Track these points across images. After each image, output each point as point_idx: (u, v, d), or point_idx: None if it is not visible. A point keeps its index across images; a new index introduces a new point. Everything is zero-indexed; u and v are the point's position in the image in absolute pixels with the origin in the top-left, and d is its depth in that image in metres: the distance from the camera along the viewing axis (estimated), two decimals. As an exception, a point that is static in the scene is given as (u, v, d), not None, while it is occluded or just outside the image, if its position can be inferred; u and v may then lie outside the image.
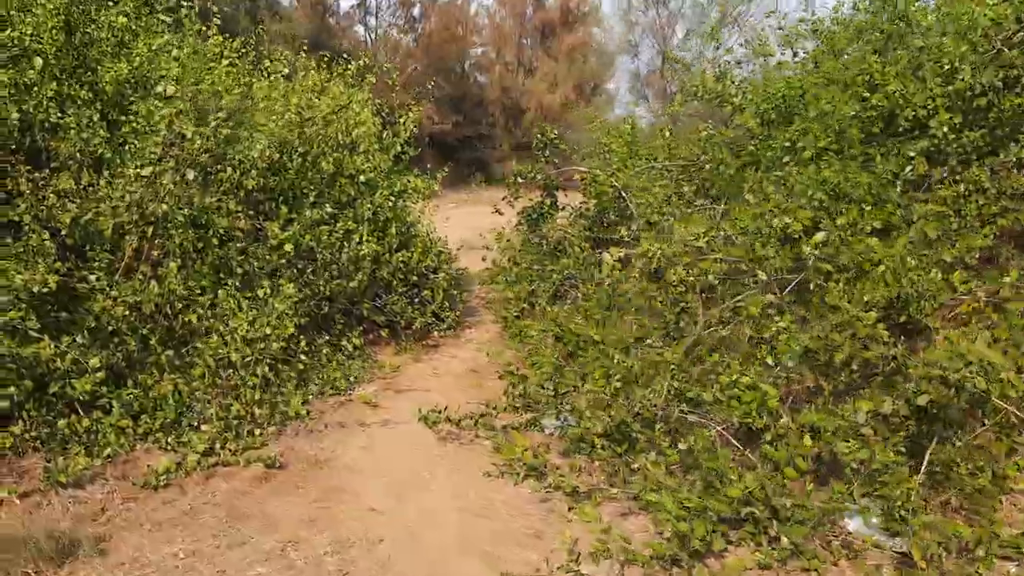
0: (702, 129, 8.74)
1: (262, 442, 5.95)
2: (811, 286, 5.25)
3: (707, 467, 4.60)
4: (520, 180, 9.44)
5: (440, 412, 6.19)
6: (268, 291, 6.92)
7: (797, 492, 4.51)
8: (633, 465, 5.19)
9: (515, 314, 8.95)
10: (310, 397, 6.98)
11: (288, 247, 7.45)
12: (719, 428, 5.04)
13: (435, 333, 9.33)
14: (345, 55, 11.24)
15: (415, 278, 9.22)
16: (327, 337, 7.92)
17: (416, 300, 9.19)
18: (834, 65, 7.21)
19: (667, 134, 9.16)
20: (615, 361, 5.63)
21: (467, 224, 18.91)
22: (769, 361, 4.87)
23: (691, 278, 5.58)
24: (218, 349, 6.38)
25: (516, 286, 9.20)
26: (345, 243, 8.28)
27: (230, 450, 5.77)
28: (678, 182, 8.79)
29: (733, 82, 8.69)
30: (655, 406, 5.13)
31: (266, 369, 6.48)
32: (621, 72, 45.41)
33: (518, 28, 43.40)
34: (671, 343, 5.76)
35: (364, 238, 8.37)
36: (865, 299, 4.99)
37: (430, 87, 15.00)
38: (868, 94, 6.38)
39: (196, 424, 6.04)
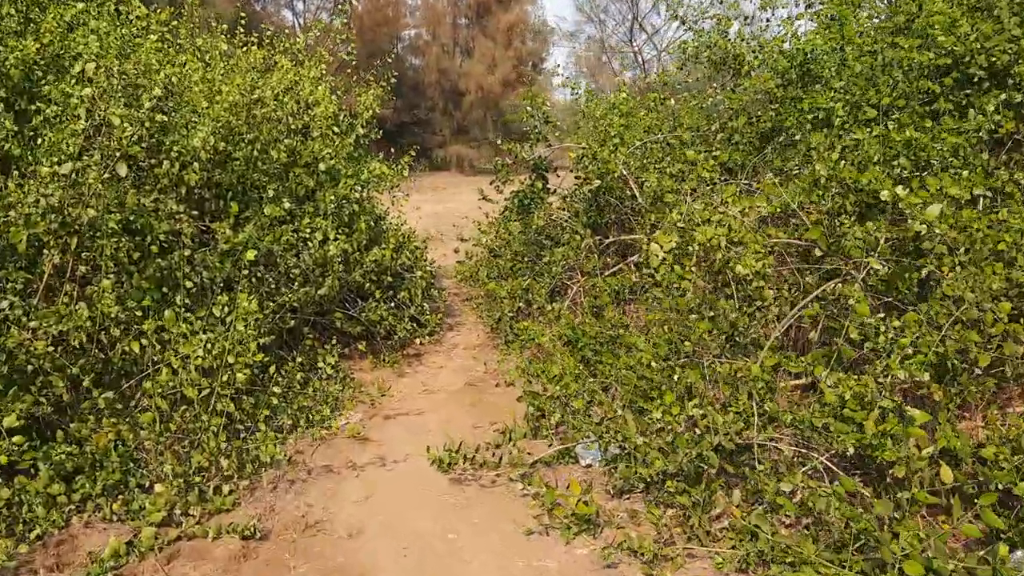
0: (708, 95, 7.70)
1: (233, 501, 4.75)
2: (921, 275, 4.24)
3: (831, 513, 3.57)
4: (509, 162, 8.28)
5: (454, 451, 5.05)
6: (225, 308, 5.68)
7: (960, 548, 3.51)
8: (714, 511, 4.14)
9: (510, 314, 7.83)
10: (285, 435, 5.76)
11: (250, 254, 6.19)
12: (824, 459, 4.02)
13: (416, 340, 8.15)
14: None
15: (389, 279, 8.02)
16: (298, 357, 6.68)
17: (392, 304, 8.00)
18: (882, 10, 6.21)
19: (671, 102, 8.11)
20: (674, 377, 4.56)
21: (427, 212, 17.75)
22: (900, 375, 3.85)
23: (766, 268, 4.53)
24: (169, 384, 5.13)
25: (508, 282, 8.08)
26: (308, 243, 7.04)
27: (194, 516, 4.55)
28: (682, 156, 7.75)
29: (743, 39, 7.68)
30: (738, 434, 4.08)
31: (231, 405, 5.24)
32: (584, 42, 44.35)
33: (452, 8, 41.92)
34: (738, 350, 4.72)
35: (331, 236, 7.13)
36: (993, 287, 4.01)
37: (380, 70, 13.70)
38: (942, 37, 5.38)
39: (147, 484, 4.81)
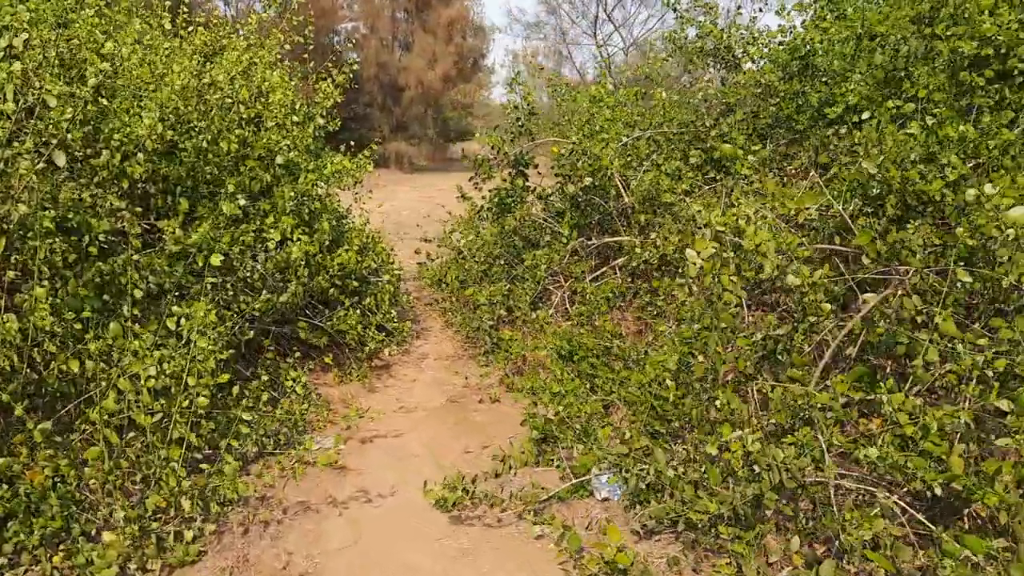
0: (700, 88, 7.21)
1: (198, 551, 4.04)
2: (1001, 286, 3.77)
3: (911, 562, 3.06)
4: (490, 157, 7.62)
5: (457, 487, 4.40)
6: (183, 317, 4.93)
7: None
8: (769, 560, 3.61)
9: (490, 323, 7.21)
10: (256, 467, 5.05)
11: (215, 258, 5.46)
12: (895, 498, 3.52)
13: (385, 351, 7.47)
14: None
15: (355, 283, 7.31)
16: (262, 374, 5.95)
17: (358, 311, 7.30)
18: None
19: (662, 94, 7.58)
20: (713, 402, 4.02)
21: (370, 209, 16.95)
22: (1004, 406, 3.36)
23: (823, 280, 4.01)
24: (117, 410, 4.38)
25: (484, 287, 7.46)
26: (268, 245, 6.31)
27: (152, 571, 3.84)
28: (672, 153, 7.27)
29: (737, 29, 7.21)
30: (801, 471, 3.55)
31: (191, 435, 4.51)
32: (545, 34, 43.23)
33: (391, 2, 40.97)
34: (779, 370, 4.20)
35: (295, 236, 6.41)
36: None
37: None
38: (987, 25, 4.95)
39: (94, 532, 4.06)
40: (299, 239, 6.42)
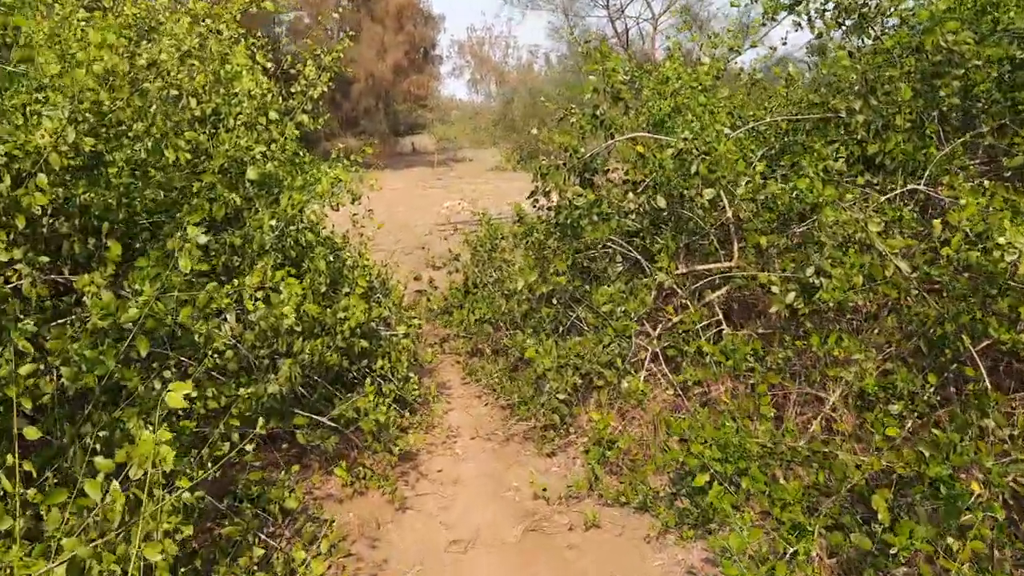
0: (839, 58, 5.24)
1: None
2: None
3: None
4: (559, 163, 5.48)
5: None
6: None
7: None
8: None
9: (560, 398, 5.17)
10: None
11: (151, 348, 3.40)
12: None
13: (408, 431, 5.40)
14: None
15: (363, 343, 5.21)
16: (245, 506, 3.86)
17: (371, 382, 5.24)
18: None
19: (793, 69, 5.59)
20: None
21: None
22: None
23: None
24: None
25: (538, 337, 5.43)
26: (247, 303, 4.22)
27: None
28: (801, 147, 5.34)
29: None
30: None
31: None
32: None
33: (335, -12, 38.53)
34: None
35: (285, 289, 4.31)
36: None
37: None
38: None
39: None
40: (291, 288, 4.32)
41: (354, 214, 6.26)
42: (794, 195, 4.70)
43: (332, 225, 6.39)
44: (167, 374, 3.72)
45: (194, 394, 3.60)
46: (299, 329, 4.35)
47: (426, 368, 7.02)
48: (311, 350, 4.60)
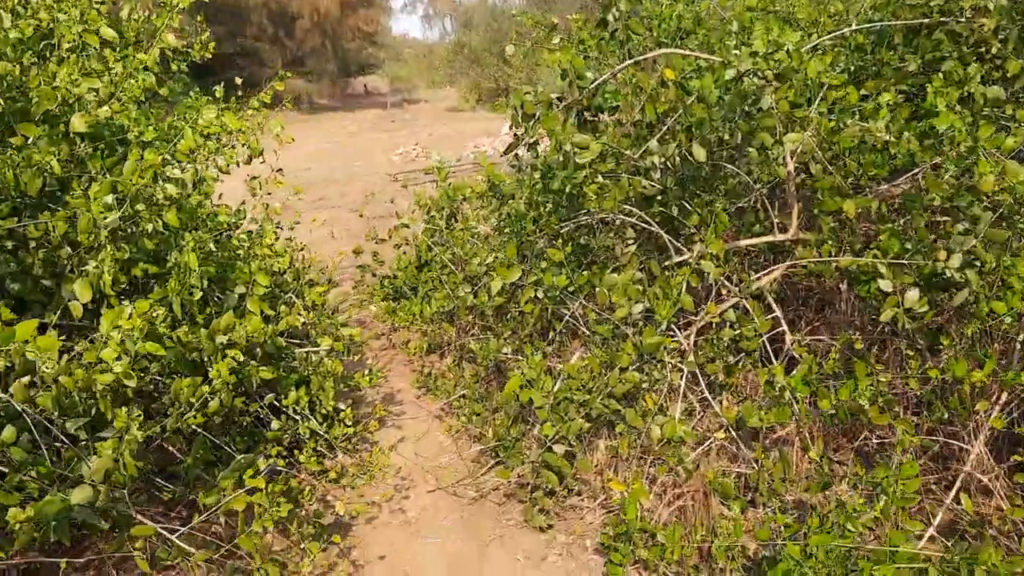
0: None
1: None
2: None
3: None
4: (558, 98, 3.66)
5: None
6: None
7: None
8: None
9: (568, 446, 3.50)
10: None
11: None
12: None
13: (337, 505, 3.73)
14: None
15: (265, 373, 3.50)
16: None
17: (268, 415, 3.57)
18: None
19: None
20: None
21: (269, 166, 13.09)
22: None
23: None
24: None
25: (524, 364, 3.73)
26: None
27: None
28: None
29: None
30: None
31: None
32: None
33: (274, -86, 35.49)
34: None
35: (109, 322, 2.59)
36: None
37: None
38: None
39: None
40: (112, 322, 2.60)
41: (253, 177, 4.47)
42: (916, 140, 3.05)
43: (261, 206, 4.61)
44: None
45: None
46: (130, 384, 2.63)
47: (372, 369, 5.37)
48: (176, 396, 2.91)
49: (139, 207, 3.24)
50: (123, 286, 3.35)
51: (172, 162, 3.35)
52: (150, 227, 3.34)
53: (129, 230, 3.43)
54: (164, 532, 2.68)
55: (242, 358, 3.25)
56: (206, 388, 2.89)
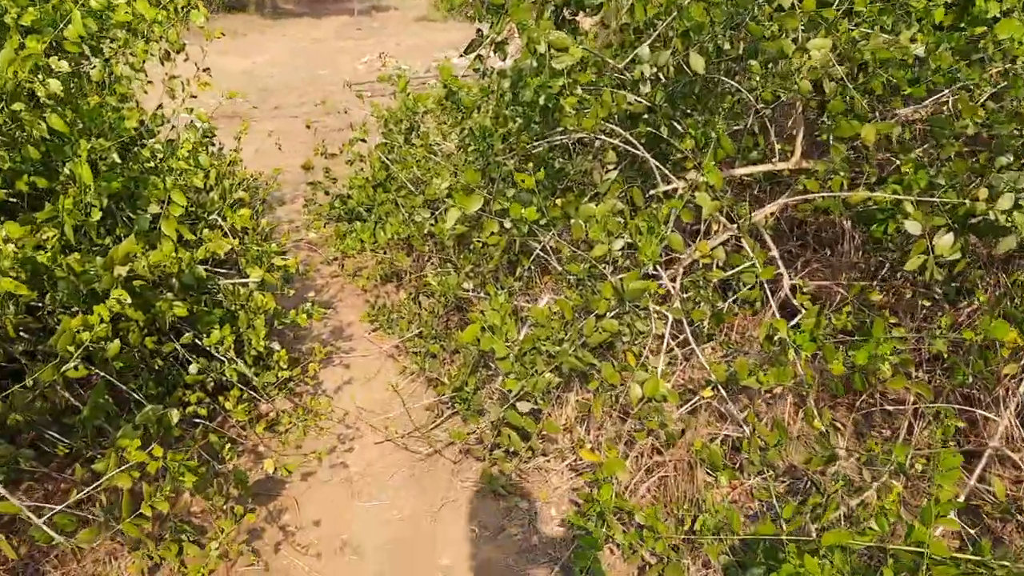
0: None
1: None
2: None
3: None
4: None
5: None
6: None
7: None
8: None
9: (523, 405, 3.05)
10: None
11: None
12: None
13: (269, 460, 3.24)
14: None
15: (181, 308, 2.98)
16: None
17: (188, 358, 3.08)
18: None
19: None
20: None
21: (233, 71, 12.40)
22: None
23: None
24: None
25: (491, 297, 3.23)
26: None
27: None
28: None
29: None
30: None
31: None
32: None
33: None
34: None
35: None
36: None
37: None
38: None
39: None
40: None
41: (171, 76, 3.83)
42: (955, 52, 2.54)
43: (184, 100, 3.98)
44: None
45: None
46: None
47: (318, 298, 4.86)
48: (55, 342, 2.39)
49: (18, 106, 2.65)
50: (5, 200, 2.80)
51: (58, 53, 2.75)
52: (36, 133, 2.75)
53: (15, 135, 2.85)
54: (28, 513, 2.18)
55: (148, 293, 2.72)
56: (85, 335, 2.36)
